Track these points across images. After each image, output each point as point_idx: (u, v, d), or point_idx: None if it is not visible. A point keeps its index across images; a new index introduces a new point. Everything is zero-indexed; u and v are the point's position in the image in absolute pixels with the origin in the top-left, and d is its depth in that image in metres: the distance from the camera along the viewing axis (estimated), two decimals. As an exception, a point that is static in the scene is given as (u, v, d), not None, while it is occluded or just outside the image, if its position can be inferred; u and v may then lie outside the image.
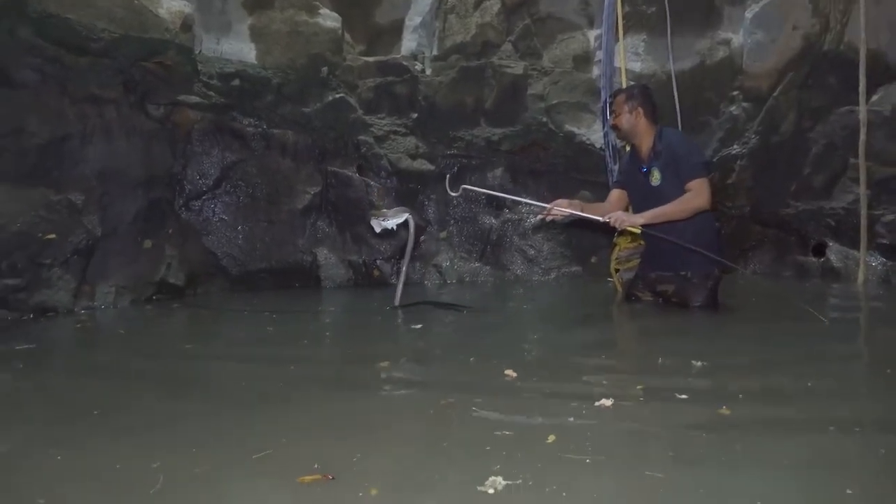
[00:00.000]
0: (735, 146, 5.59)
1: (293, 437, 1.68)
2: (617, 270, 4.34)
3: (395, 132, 5.41)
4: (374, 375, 2.34)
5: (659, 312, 3.55)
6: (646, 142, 3.61)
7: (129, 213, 4.21)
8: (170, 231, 4.46)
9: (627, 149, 4.09)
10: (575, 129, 5.55)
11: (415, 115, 5.45)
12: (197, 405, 2.01)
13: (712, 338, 3.02)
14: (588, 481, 1.37)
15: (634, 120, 3.59)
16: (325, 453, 1.53)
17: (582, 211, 3.53)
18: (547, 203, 3.56)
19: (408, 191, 5.37)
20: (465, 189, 3.79)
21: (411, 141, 5.42)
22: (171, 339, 3.29)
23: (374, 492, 1.33)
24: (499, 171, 5.57)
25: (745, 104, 5.57)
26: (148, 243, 4.29)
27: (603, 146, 5.10)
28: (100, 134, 4.08)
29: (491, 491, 1.33)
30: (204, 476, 1.44)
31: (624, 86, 5.09)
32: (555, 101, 5.59)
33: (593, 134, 5.49)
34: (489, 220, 5.50)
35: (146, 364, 2.60)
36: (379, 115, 5.41)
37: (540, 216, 3.70)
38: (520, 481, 1.36)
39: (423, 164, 5.39)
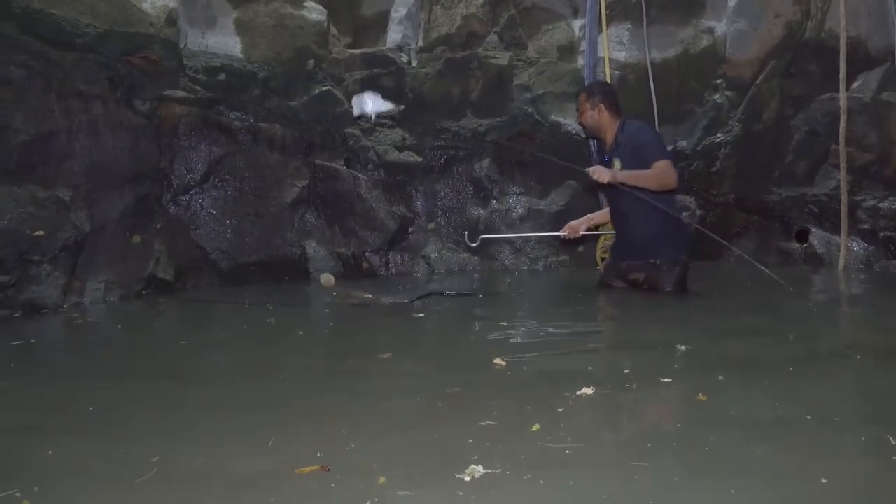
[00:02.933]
0: (719, 134, 5.63)
1: (291, 429, 1.71)
2: (603, 259, 4.40)
3: (382, 124, 5.41)
4: (371, 366, 2.40)
5: (646, 299, 3.60)
6: (609, 134, 3.76)
7: (116, 208, 4.20)
8: (158, 226, 4.46)
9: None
10: (561, 119, 5.57)
11: (401, 107, 5.45)
12: (196, 399, 2.05)
13: (697, 323, 3.07)
14: (566, 471, 1.40)
15: (598, 116, 3.74)
16: (321, 444, 1.56)
17: (591, 221, 3.95)
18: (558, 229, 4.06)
19: (395, 183, 5.39)
20: (483, 239, 4.27)
21: (398, 133, 5.43)
22: (167, 333, 3.32)
23: (381, 480, 1.36)
24: (486, 162, 5.59)
25: (728, 93, 5.61)
26: (136, 238, 4.29)
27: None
28: (86, 130, 4.06)
29: (468, 479, 1.35)
30: (201, 468, 1.47)
31: (608, 75, 5.13)
32: (540, 92, 5.61)
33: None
34: (477, 211, 5.52)
35: (143, 359, 2.63)
36: (366, 108, 5.40)
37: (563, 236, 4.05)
38: (498, 470, 1.39)
39: (410, 156, 5.41)
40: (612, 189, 3.69)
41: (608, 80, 5.12)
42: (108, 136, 4.19)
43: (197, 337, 3.10)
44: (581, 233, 3.76)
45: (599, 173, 3.50)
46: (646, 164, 3.49)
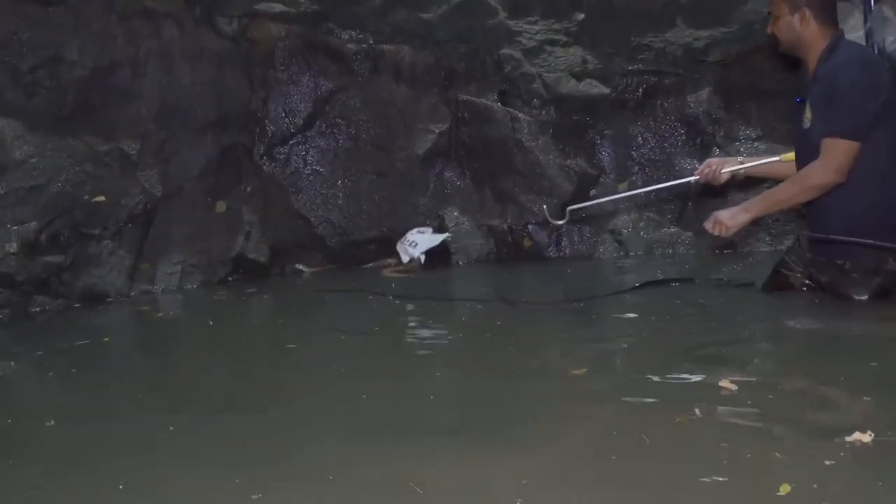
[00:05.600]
0: None
1: (434, 465, 1.79)
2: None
3: (553, 41, 5.34)
4: (557, 385, 2.44)
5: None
6: (813, 57, 3.48)
7: (196, 165, 4.43)
8: (248, 189, 4.65)
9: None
10: (821, 27, 5.25)
11: (580, 17, 5.35)
12: (313, 423, 2.13)
13: None
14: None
15: (800, 27, 3.44)
16: (488, 478, 1.67)
17: (743, 166, 3.73)
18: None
19: (572, 125, 5.31)
20: (571, 211, 4.02)
21: (576, 53, 5.34)
22: (271, 333, 3.53)
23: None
24: (704, 93, 5.38)
25: None
26: (221, 206, 4.49)
27: (865, 50, 4.81)
28: (156, 61, 4.29)
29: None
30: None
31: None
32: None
33: (849, 33, 5.11)
34: (691, 164, 5.33)
35: (246, 370, 2.80)
36: (529, 19, 5.34)
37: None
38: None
39: (592, 86, 5.31)
40: (796, 140, 3.58)
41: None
42: (185, 67, 4.40)
43: (311, 338, 3.26)
44: (723, 178, 3.57)
45: (717, 224, 3.47)
46: (827, 130, 3.32)
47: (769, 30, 3.70)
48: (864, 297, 3.37)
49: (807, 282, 3.58)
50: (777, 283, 3.66)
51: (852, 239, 3.25)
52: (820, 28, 3.43)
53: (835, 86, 3.31)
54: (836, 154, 3.26)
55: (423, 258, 3.93)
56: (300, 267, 4.72)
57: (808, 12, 3.41)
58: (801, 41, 3.50)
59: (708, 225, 3.53)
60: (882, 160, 3.28)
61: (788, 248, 3.80)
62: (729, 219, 3.45)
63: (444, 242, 4.04)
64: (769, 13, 3.64)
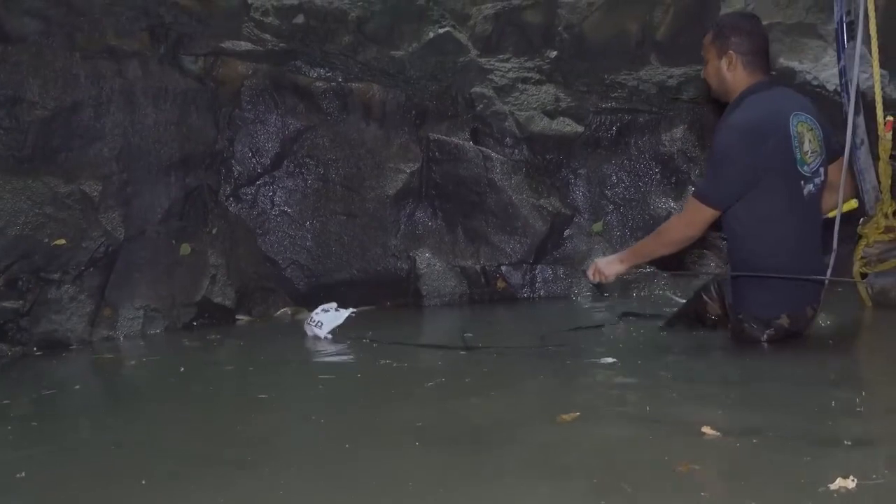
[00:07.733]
0: None
1: None
2: (864, 275, 4.18)
3: (526, 79, 5.38)
4: (543, 432, 2.40)
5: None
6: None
7: (159, 207, 4.42)
8: (214, 231, 4.65)
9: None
10: (795, 65, 5.34)
11: (553, 54, 5.39)
12: (290, 481, 2.07)
13: None
14: None
15: (727, 72, 3.39)
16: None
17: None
18: None
19: (545, 164, 5.36)
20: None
21: (549, 91, 5.39)
22: (250, 384, 3.41)
23: None
24: (679, 131, 5.44)
25: None
26: (186, 248, 4.49)
27: (839, 88, 4.90)
28: (120, 100, 4.30)
29: None
30: None
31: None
32: (764, 23, 5.42)
33: (823, 70, 5.26)
34: (666, 204, 5.39)
35: (208, 424, 2.74)
36: (501, 57, 5.39)
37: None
38: None
39: (566, 125, 5.36)
40: None
41: (871, 5, 4.87)
42: (149, 107, 4.42)
43: (285, 387, 3.24)
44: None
45: (596, 272, 3.59)
46: (695, 188, 3.50)
47: (703, 74, 3.68)
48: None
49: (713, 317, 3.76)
50: (693, 309, 3.83)
51: (768, 274, 3.29)
52: (747, 74, 3.39)
53: (714, 147, 3.36)
54: (694, 213, 3.32)
55: (329, 337, 3.93)
56: (238, 317, 4.69)
57: (734, 57, 3.37)
58: (727, 87, 3.45)
59: (589, 272, 3.65)
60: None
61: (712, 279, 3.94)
62: (605, 267, 3.57)
63: (348, 318, 4.07)
64: (703, 55, 3.60)
